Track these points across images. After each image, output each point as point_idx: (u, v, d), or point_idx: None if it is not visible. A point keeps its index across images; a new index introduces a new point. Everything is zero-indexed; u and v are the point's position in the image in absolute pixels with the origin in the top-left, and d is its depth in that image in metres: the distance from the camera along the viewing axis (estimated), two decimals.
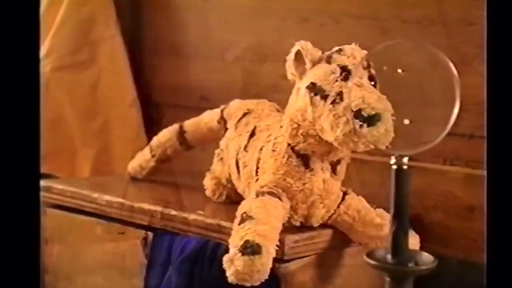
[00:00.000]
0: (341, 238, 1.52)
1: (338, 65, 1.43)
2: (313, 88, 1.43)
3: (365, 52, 1.45)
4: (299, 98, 1.46)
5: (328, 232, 1.51)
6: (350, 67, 1.42)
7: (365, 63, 1.43)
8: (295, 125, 1.47)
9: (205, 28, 2.09)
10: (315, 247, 1.50)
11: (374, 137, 1.33)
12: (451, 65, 1.19)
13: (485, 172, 1.62)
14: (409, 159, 1.21)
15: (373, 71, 1.43)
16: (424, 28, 1.70)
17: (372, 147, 1.34)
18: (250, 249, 1.34)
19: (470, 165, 1.66)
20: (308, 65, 1.46)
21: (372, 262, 1.23)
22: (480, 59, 1.63)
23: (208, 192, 1.72)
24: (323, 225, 1.52)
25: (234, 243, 1.37)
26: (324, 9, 1.85)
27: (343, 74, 1.42)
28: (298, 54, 1.47)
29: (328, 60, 1.45)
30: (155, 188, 1.86)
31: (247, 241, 1.35)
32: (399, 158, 1.21)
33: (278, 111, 1.66)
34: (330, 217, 1.51)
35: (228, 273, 1.35)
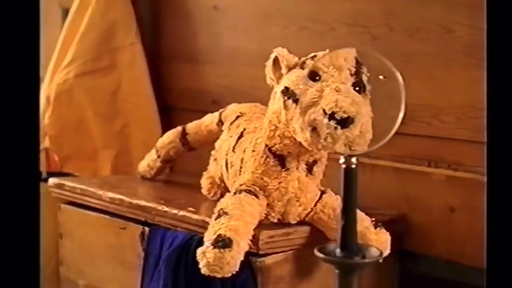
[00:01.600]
0: (318, 235, 1.58)
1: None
2: (286, 92, 1.50)
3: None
4: (275, 101, 1.54)
5: (305, 229, 1.58)
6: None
7: (353, 70, 1.50)
8: (273, 127, 1.54)
9: (215, 35, 2.19)
10: (291, 243, 1.57)
11: (349, 139, 1.40)
12: (397, 72, 1.26)
13: (467, 175, 1.68)
14: (357, 159, 1.28)
15: (364, 78, 1.49)
16: (410, 35, 1.76)
17: (337, 150, 1.40)
18: (222, 242, 1.42)
19: (452, 167, 1.71)
20: (284, 70, 1.54)
21: (320, 255, 1.29)
22: (460, 65, 1.69)
23: (204, 191, 1.81)
24: (301, 223, 1.59)
25: (208, 236, 1.46)
26: (321, 17, 1.93)
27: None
28: (276, 60, 1.55)
29: (302, 66, 1.52)
30: (160, 187, 1.96)
31: (219, 235, 1.44)
32: (347, 158, 1.28)
33: None
34: (307, 214, 1.58)
35: (200, 265, 1.44)
